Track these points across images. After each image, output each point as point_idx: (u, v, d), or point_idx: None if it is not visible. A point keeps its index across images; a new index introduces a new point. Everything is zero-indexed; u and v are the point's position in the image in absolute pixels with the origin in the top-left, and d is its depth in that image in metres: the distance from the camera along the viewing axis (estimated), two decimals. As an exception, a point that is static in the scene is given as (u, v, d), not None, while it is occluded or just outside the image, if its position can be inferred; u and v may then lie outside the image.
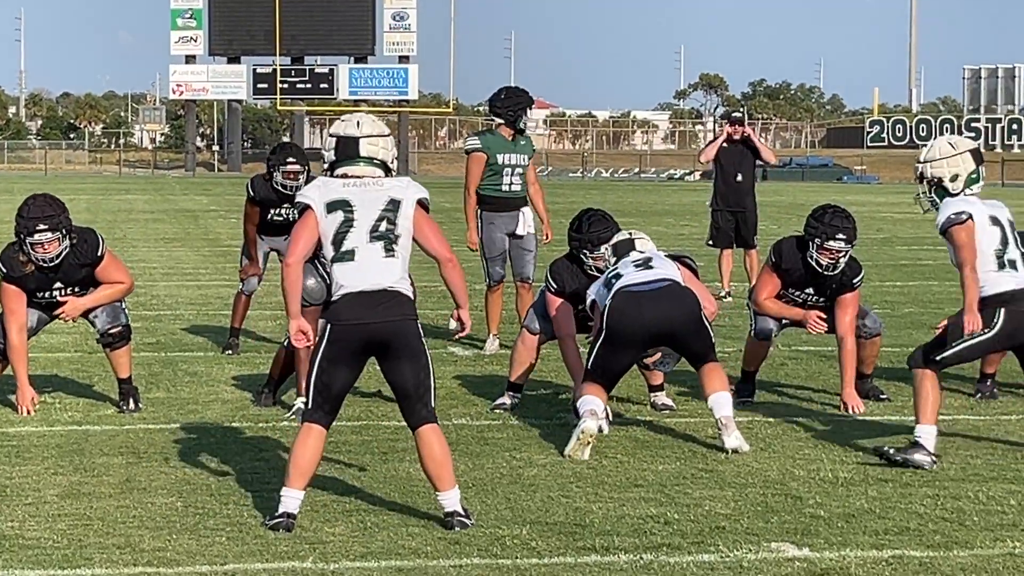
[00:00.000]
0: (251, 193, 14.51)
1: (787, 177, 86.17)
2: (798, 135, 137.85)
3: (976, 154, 10.99)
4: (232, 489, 9.47)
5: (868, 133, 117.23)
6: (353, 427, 11.44)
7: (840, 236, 12.05)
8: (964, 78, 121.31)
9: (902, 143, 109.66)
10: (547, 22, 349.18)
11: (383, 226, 8.64)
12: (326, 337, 8.62)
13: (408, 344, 8.62)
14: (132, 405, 11.96)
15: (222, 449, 10.66)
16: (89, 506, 9.00)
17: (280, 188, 14.24)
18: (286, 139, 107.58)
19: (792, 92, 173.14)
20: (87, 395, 12.53)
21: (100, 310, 11.88)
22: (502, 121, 15.42)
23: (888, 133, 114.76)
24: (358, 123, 8.92)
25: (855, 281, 12.38)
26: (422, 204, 8.79)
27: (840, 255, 12.12)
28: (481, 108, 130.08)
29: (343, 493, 9.38)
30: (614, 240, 12.08)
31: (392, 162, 8.97)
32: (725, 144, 21.16)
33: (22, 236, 11.49)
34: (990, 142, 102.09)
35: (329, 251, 8.67)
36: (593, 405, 10.77)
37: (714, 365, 10.92)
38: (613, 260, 11.78)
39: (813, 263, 12.13)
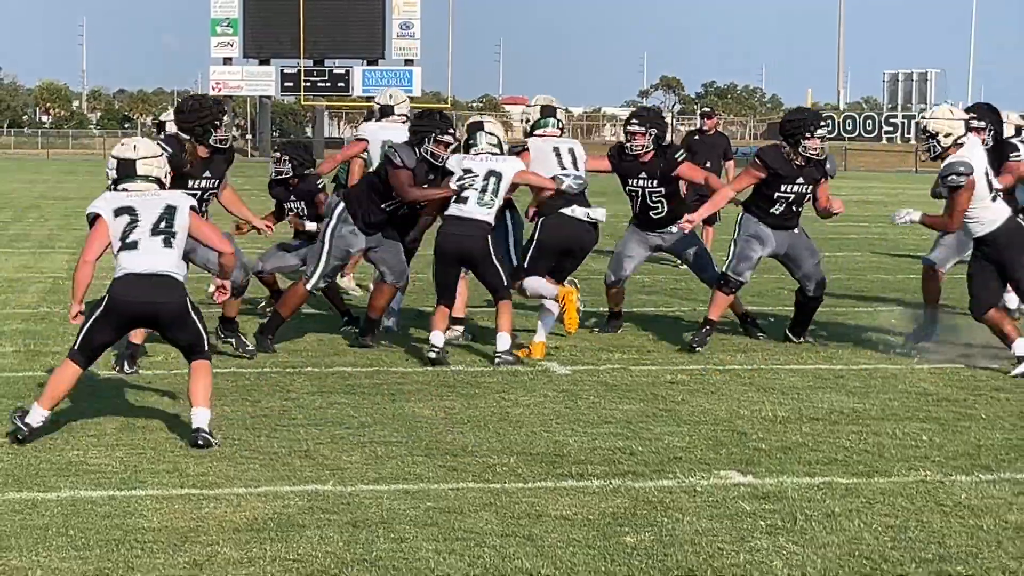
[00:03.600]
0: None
1: (737, 164, 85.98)
2: (743, 128, 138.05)
3: (967, 124, 11.99)
4: (263, 424, 9.46)
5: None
6: (366, 372, 11.44)
7: (823, 124, 12.50)
8: (884, 81, 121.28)
9: (832, 136, 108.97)
10: (532, 30, 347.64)
11: (162, 225, 8.96)
12: (104, 304, 8.88)
13: (176, 317, 8.96)
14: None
15: (255, 390, 10.65)
16: (143, 438, 8.99)
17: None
18: (308, 131, 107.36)
19: (738, 92, 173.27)
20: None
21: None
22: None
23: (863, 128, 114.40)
24: (135, 147, 9.30)
25: (828, 168, 12.69)
26: (193, 208, 9.16)
27: (823, 141, 12.48)
28: (475, 104, 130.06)
29: (358, 427, 9.37)
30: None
31: (165, 177, 9.27)
32: (697, 136, 21.33)
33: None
34: (906, 136, 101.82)
35: (117, 245, 8.91)
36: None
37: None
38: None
39: (806, 153, 12.36)
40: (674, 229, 13.02)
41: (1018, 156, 12.97)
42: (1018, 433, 9.41)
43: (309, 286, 12.41)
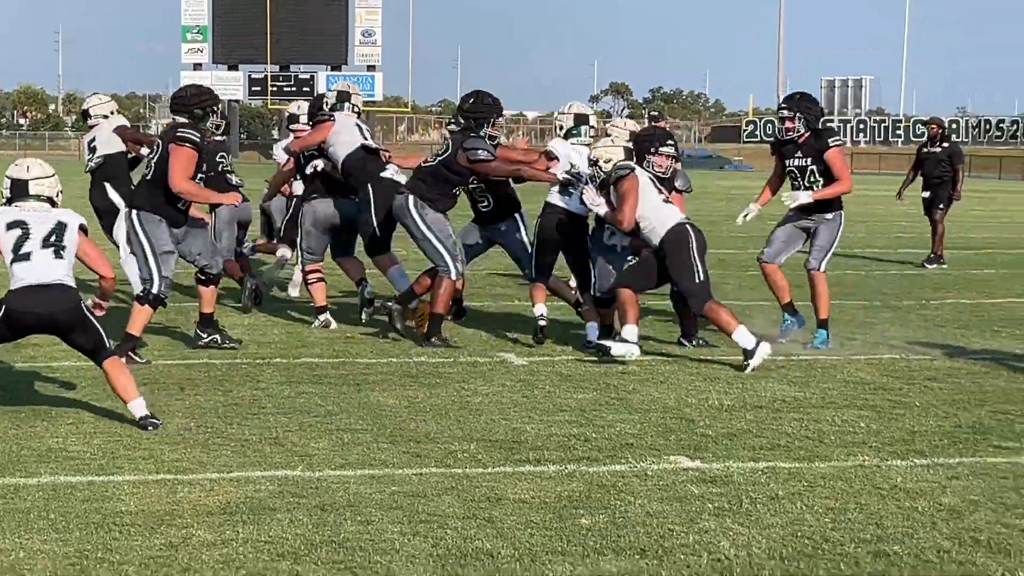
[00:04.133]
0: None
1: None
2: (688, 132, 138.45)
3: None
4: (235, 412, 9.43)
5: (744, 131, 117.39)
6: (333, 363, 11.41)
7: (670, 143, 12.37)
8: (821, 87, 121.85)
9: (772, 139, 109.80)
10: (488, 38, 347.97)
11: (52, 238, 8.93)
12: (2, 312, 8.87)
13: (76, 321, 8.89)
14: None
15: (226, 380, 10.61)
16: (120, 426, 8.94)
17: (658, 172, 12.05)
18: (275, 133, 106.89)
19: (684, 97, 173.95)
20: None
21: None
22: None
23: (760, 130, 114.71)
24: (28, 167, 9.28)
25: (830, 141, 12.73)
26: (83, 229, 9.12)
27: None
28: (434, 108, 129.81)
29: (325, 415, 9.34)
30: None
31: (57, 196, 9.24)
32: None
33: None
34: (841, 139, 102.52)
35: (9, 257, 8.90)
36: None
37: None
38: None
39: (650, 169, 12.02)
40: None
41: (838, 141, 12.93)
42: (951, 420, 9.48)
43: (454, 276, 12.38)
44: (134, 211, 11.27)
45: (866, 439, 8.84)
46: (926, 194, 22.31)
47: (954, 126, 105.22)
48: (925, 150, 22.42)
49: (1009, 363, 11.82)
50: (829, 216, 12.63)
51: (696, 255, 11.48)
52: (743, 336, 11.32)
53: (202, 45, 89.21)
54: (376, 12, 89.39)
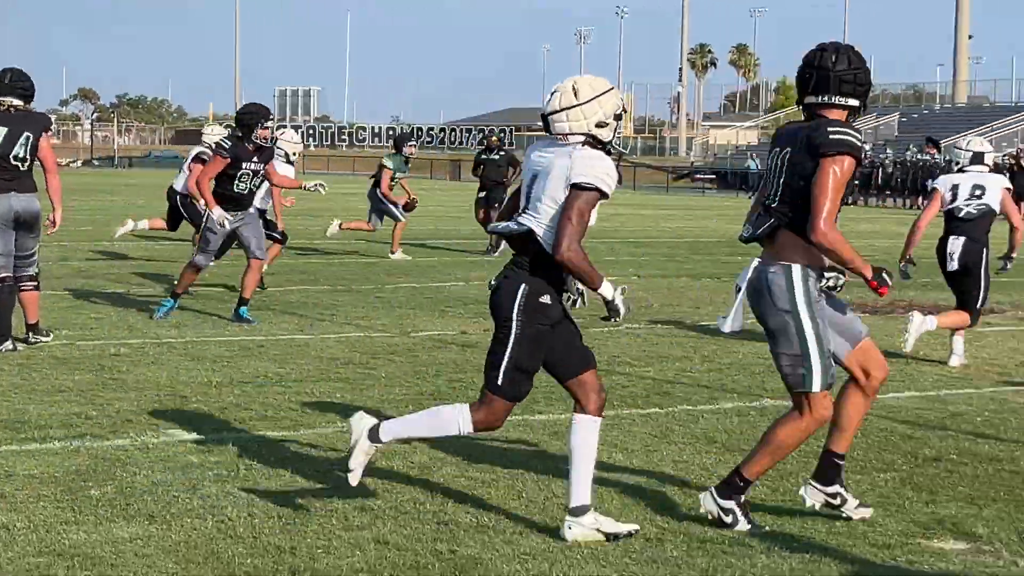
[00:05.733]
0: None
1: (147, 165, 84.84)
2: (153, 135, 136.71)
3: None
4: None
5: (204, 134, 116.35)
6: None
7: (272, 117, 12.40)
8: (275, 95, 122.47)
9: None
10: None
11: None
12: None
13: None
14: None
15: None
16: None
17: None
18: None
19: (148, 103, 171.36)
20: None
21: None
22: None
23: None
24: None
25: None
26: None
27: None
28: None
29: None
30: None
31: None
32: None
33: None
34: (306, 141, 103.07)
35: None
36: None
37: None
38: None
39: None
40: None
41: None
42: (414, 389, 9.73)
43: None
44: None
45: (342, 408, 8.96)
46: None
47: (390, 132, 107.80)
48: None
49: (456, 339, 12.25)
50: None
51: None
52: None
53: None
54: None
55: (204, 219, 12.96)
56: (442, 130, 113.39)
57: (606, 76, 6.18)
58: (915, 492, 7.09)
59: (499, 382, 5.96)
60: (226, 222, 12.67)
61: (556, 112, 5.95)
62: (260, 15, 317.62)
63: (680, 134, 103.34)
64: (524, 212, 6.01)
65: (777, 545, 6.06)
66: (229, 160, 12.77)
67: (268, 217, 15.53)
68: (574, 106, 5.92)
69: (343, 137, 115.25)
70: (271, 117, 12.85)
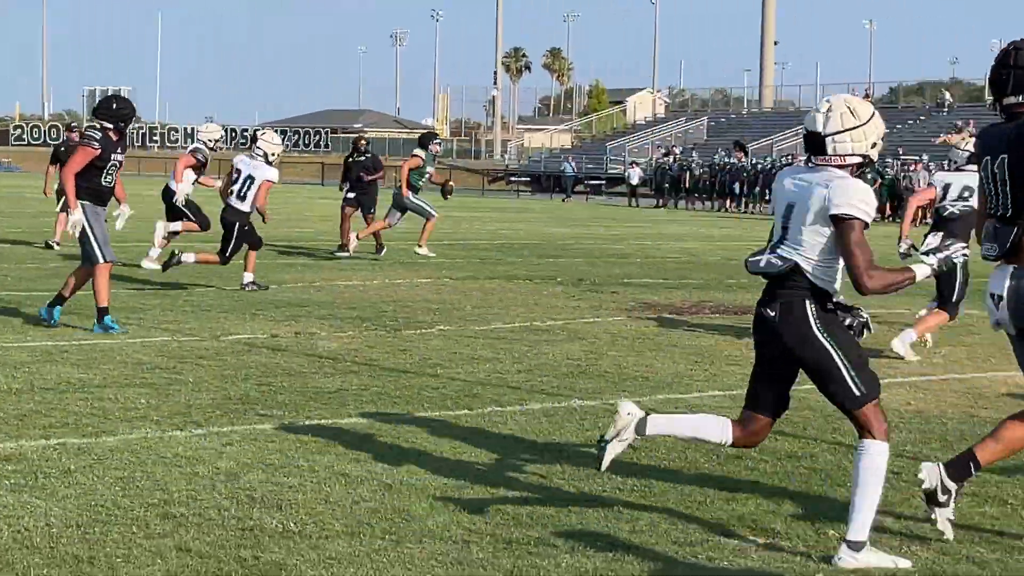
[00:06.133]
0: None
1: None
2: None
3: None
4: None
5: (12, 135, 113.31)
6: None
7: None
8: (84, 96, 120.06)
9: (38, 142, 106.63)
10: None
11: None
12: None
13: None
14: None
15: None
16: None
17: None
18: None
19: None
20: None
21: None
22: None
23: (27, 135, 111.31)
24: None
25: None
26: None
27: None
28: None
29: None
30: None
31: None
32: None
33: None
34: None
35: None
36: None
37: None
38: None
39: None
40: None
41: None
42: (221, 393, 9.59)
43: None
44: None
45: (147, 413, 8.78)
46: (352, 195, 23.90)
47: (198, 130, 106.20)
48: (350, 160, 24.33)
49: (267, 343, 12.11)
50: None
51: None
52: None
53: None
54: None
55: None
56: (255, 131, 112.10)
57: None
58: (716, 490, 7.21)
59: (856, 393, 5.89)
60: (85, 226, 12.31)
61: (840, 132, 5.89)
62: (67, 13, 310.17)
63: (495, 137, 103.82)
64: (783, 243, 5.97)
65: (581, 544, 6.11)
66: (99, 152, 12.42)
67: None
68: (857, 126, 5.88)
69: (155, 138, 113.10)
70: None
